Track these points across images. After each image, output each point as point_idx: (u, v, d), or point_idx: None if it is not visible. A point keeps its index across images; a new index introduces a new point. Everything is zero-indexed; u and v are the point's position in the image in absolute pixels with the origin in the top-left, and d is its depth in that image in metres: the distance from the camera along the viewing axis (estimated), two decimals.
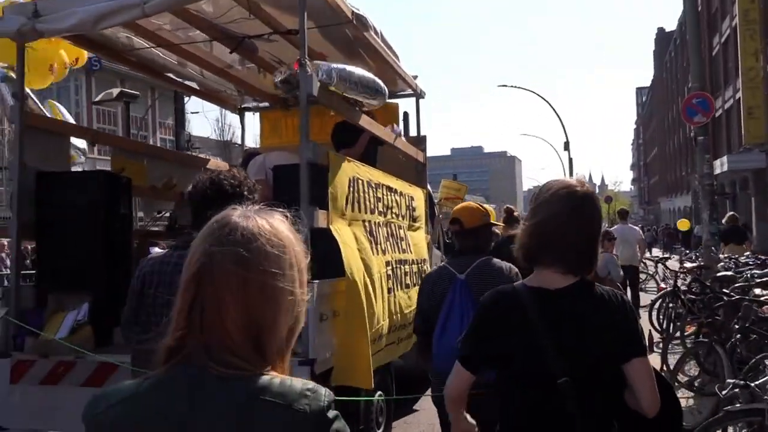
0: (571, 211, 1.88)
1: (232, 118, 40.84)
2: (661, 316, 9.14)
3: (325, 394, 1.08)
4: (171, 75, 5.71)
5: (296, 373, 3.51)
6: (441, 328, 3.14)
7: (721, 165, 30.56)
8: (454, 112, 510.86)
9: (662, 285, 11.83)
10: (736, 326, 5.60)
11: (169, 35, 4.88)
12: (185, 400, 1.06)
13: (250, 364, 1.07)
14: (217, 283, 1.07)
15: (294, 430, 1.04)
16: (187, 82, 5.97)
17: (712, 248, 9.66)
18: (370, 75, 4.55)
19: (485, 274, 3.17)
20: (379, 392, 4.72)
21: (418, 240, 5.66)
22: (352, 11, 4.36)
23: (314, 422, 1.04)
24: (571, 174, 33.76)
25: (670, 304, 8.55)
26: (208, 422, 1.04)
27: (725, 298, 6.34)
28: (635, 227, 12.36)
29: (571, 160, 33.97)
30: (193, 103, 31.05)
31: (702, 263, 9.86)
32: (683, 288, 8.71)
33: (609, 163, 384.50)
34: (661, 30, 69.58)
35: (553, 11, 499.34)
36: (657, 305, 9.30)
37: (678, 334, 7.25)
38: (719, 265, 9.43)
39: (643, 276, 14.27)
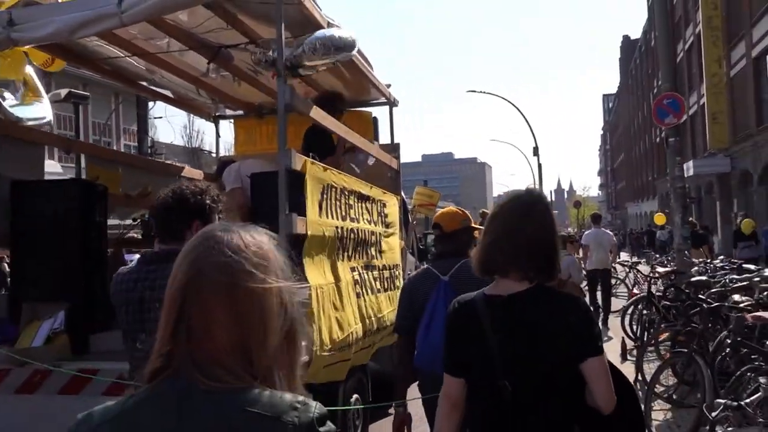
0: (519, 217, 1.99)
1: (200, 125, 40.40)
2: (633, 323, 8.93)
3: (315, 407, 1.08)
4: (145, 83, 5.75)
5: None
6: (425, 328, 3.23)
7: (686, 170, 32.20)
8: (424, 119, 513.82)
9: (634, 290, 11.74)
10: (721, 336, 5.34)
11: (143, 44, 4.92)
12: (174, 415, 1.04)
13: (239, 377, 1.06)
14: (205, 295, 1.08)
15: None
16: (161, 91, 6.00)
17: (685, 252, 9.55)
18: (331, 33, 4.41)
19: (467, 275, 3.25)
20: (356, 395, 4.81)
21: (392, 246, 5.78)
22: (328, 22, 4.47)
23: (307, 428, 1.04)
24: (540, 179, 34.27)
25: (644, 311, 8.29)
26: None
27: (704, 305, 5.97)
28: (608, 231, 12.46)
29: (540, 165, 34.45)
30: (156, 109, 30.61)
31: (675, 268, 9.69)
32: (657, 293, 8.46)
33: (577, 168, 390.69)
34: (626, 38, 70.72)
35: (519, 18, 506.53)
36: (629, 311, 9.13)
37: (653, 342, 7.04)
38: (693, 269, 9.34)
39: (613, 281, 14.15)
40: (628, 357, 7.73)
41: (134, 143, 33.46)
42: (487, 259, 2.01)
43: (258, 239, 1.14)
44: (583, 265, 11.14)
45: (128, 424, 1.06)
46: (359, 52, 5.25)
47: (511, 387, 1.88)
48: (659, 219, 28.03)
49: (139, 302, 2.51)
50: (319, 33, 4.27)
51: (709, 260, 11.80)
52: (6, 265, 8.06)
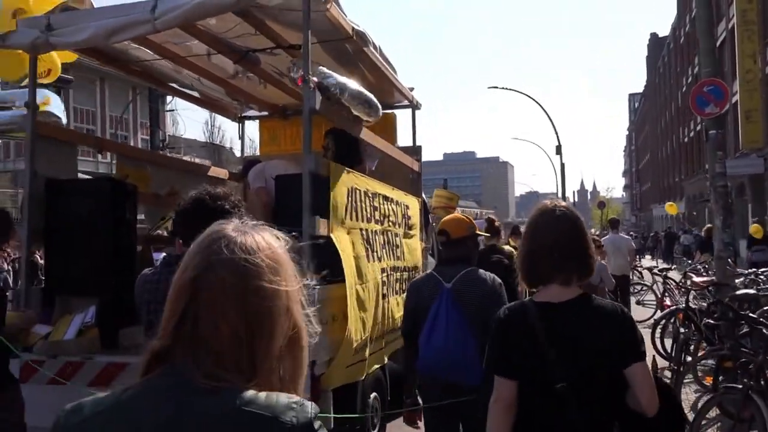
0: (558, 228, 2.13)
1: (222, 121, 40.77)
2: (665, 338, 8.05)
3: (311, 407, 1.08)
4: (175, 85, 5.94)
5: None
6: (428, 333, 3.36)
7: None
8: (446, 117, 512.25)
9: (666, 302, 10.73)
10: None
11: (173, 47, 5.10)
12: (170, 410, 1.04)
13: (237, 377, 1.06)
14: (215, 293, 1.07)
15: None
16: (188, 92, 6.19)
17: (729, 261, 8.38)
18: (365, 90, 4.78)
19: (470, 283, 3.39)
20: (374, 393, 4.95)
21: (413, 248, 5.91)
22: (353, 28, 4.60)
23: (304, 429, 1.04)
24: (563, 179, 34.06)
25: (681, 328, 7.02)
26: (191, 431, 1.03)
27: (762, 328, 5.16)
28: (626, 236, 12.48)
29: (563, 165, 34.17)
30: (172, 103, 30.97)
31: (713, 278, 8.59)
32: (695, 307, 7.38)
33: (601, 169, 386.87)
34: (654, 35, 69.95)
35: (545, 16, 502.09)
36: (661, 324, 8.22)
37: (693, 362, 6.24)
38: (737, 281, 8.33)
39: (638, 287, 13.68)
40: (660, 377, 7.16)
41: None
42: (533, 269, 2.16)
43: (270, 242, 1.15)
44: None
45: (122, 417, 1.05)
46: (382, 55, 5.39)
47: (565, 390, 2.00)
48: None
49: (162, 303, 2.67)
50: (353, 85, 4.53)
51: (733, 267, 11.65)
52: (38, 257, 8.32)
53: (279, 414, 1.03)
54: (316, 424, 1.07)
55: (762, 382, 4.68)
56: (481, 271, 3.53)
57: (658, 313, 10.75)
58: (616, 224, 12.18)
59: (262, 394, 1.05)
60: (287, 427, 1.03)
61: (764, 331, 5.11)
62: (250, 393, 1.05)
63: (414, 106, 6.69)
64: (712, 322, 6.12)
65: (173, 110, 32.19)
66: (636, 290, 13.26)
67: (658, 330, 8.18)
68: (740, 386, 4.57)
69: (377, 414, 4.97)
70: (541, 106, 32.40)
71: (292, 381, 1.14)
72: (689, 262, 19.02)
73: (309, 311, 1.19)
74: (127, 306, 4.69)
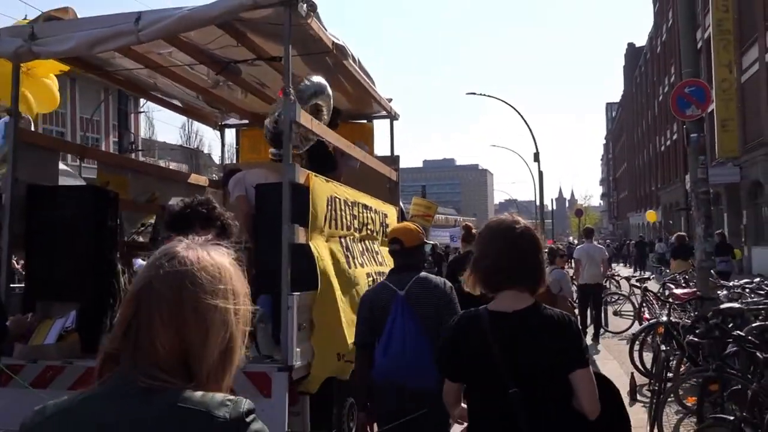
0: (513, 239, 2.27)
1: (199, 126, 40.58)
2: (644, 353, 7.75)
3: (245, 403, 1.15)
4: (156, 93, 6.05)
5: (275, 379, 3.88)
6: (385, 342, 3.44)
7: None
8: (426, 124, 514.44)
9: (645, 314, 10.37)
10: None
11: (156, 57, 5.21)
12: (112, 410, 1.12)
13: (175, 379, 1.14)
14: (152, 306, 1.15)
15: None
16: (170, 100, 6.30)
17: (711, 272, 7.88)
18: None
19: (423, 288, 3.51)
20: (351, 399, 5.07)
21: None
22: (333, 41, 4.76)
23: (234, 427, 1.11)
24: (541, 187, 34.50)
25: (662, 345, 6.43)
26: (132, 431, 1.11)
27: (759, 354, 4.84)
28: (599, 245, 12.40)
29: (541, 173, 34.55)
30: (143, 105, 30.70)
31: (696, 290, 8.10)
32: (676, 320, 6.93)
33: (579, 177, 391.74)
34: (631, 45, 70.78)
35: (524, 25, 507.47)
36: (640, 339, 7.82)
37: (676, 384, 5.80)
38: (721, 293, 7.87)
39: (615, 297, 13.51)
40: (639, 396, 6.83)
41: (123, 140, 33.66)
42: (489, 278, 2.28)
43: (216, 259, 1.21)
44: (574, 280, 11.23)
45: (73, 418, 1.15)
46: (361, 67, 5.55)
47: (519, 395, 2.12)
48: (650, 216, 27.25)
49: None
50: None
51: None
52: (14, 262, 8.31)
53: (212, 409, 1.11)
54: (249, 418, 1.14)
55: (755, 413, 4.25)
56: (432, 276, 3.66)
57: (636, 325, 10.75)
58: (591, 234, 12.24)
59: (198, 393, 1.14)
60: (220, 422, 1.10)
61: (758, 354, 4.78)
62: (186, 392, 1.13)
63: (392, 116, 6.87)
64: (695, 339, 5.62)
65: (143, 112, 31.82)
66: (613, 300, 13.10)
67: (637, 344, 7.84)
68: (731, 417, 4.17)
69: (353, 419, 5.08)
70: (519, 112, 32.83)
71: (225, 383, 1.22)
72: (667, 270, 18.88)
73: (248, 326, 1.25)
74: (108, 311, 4.80)
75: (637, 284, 11.70)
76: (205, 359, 1.17)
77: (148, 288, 1.17)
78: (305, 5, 4.20)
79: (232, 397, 1.16)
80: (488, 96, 34.99)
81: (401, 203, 7.22)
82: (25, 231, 4.62)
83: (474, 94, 35.46)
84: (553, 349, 2.17)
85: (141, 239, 6.18)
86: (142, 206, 5.90)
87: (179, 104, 6.49)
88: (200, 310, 1.16)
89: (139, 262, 5.88)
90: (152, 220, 6.13)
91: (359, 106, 6.56)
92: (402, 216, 7.09)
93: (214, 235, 2.64)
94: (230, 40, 4.67)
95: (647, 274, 23.10)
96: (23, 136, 4.70)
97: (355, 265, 4.82)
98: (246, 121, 7.09)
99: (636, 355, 7.74)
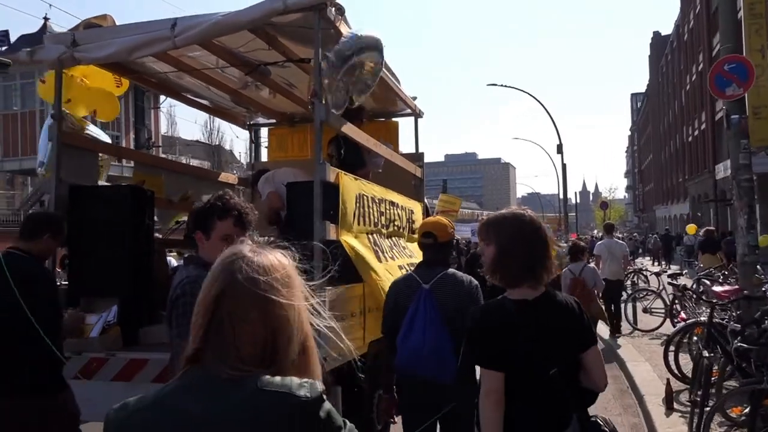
0: (527, 235, 2.43)
1: (221, 123, 41.02)
2: (680, 354, 7.23)
3: (319, 385, 1.29)
4: (186, 94, 6.29)
5: None
6: (406, 332, 3.55)
7: (724, 169, 29.54)
8: (448, 118, 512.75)
9: (681, 314, 9.40)
10: None
11: (188, 60, 5.43)
12: (200, 401, 1.23)
13: (258, 369, 1.27)
14: (239, 304, 1.28)
15: (296, 413, 1.23)
16: (200, 101, 6.53)
17: (758, 268, 7.21)
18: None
19: (448, 284, 3.61)
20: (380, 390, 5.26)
21: (417, 250, 6.23)
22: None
23: (312, 404, 1.25)
24: (564, 180, 34.23)
25: (704, 351, 5.70)
26: (222, 417, 1.22)
27: None
28: (620, 241, 12.24)
29: (564, 165, 34.22)
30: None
31: (743, 289, 7.11)
32: (722, 321, 6.07)
33: (603, 170, 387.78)
34: (656, 34, 69.29)
35: (547, 16, 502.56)
36: (675, 341, 7.29)
37: (722, 397, 5.17)
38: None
39: (643, 293, 12.75)
40: (675, 405, 6.21)
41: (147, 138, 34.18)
42: (506, 271, 2.43)
43: (283, 262, 1.36)
44: None
45: (163, 409, 1.25)
46: (387, 67, 5.71)
47: (556, 374, 2.28)
48: (691, 230, 27.39)
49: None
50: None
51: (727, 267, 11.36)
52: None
53: (294, 390, 1.25)
54: (324, 398, 1.28)
55: None
56: (458, 273, 3.76)
57: (667, 324, 10.45)
58: (611, 229, 12.11)
59: (278, 378, 1.27)
60: (302, 401, 1.24)
61: None
62: (268, 377, 1.26)
63: (416, 114, 7.04)
64: (744, 345, 4.98)
65: (157, 107, 32.15)
66: (641, 296, 12.47)
67: (672, 347, 7.26)
68: None
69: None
70: (541, 103, 32.53)
71: (309, 374, 1.35)
72: (695, 262, 18.52)
73: (319, 318, 1.39)
74: (146, 306, 5.04)
75: (673, 281, 10.60)
76: (287, 350, 1.31)
77: (233, 289, 1.30)
78: (334, 9, 4.37)
79: (306, 380, 1.29)
80: (510, 87, 34.75)
81: (426, 199, 7.38)
82: (68, 230, 4.86)
83: (495, 85, 35.04)
84: (573, 330, 2.37)
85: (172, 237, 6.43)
86: (176, 205, 6.13)
87: (208, 104, 6.71)
88: (275, 309, 1.30)
89: (173, 262, 6.13)
90: (185, 218, 6.36)
91: (385, 104, 6.74)
92: (427, 212, 7.25)
93: (233, 223, 2.78)
94: (261, 44, 4.86)
95: (674, 267, 22.68)
96: (65, 139, 4.95)
97: (386, 258, 4.99)
98: (274, 121, 7.31)
99: (672, 357, 7.20)
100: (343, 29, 4.58)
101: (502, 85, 35.33)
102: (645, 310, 11.60)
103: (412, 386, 3.62)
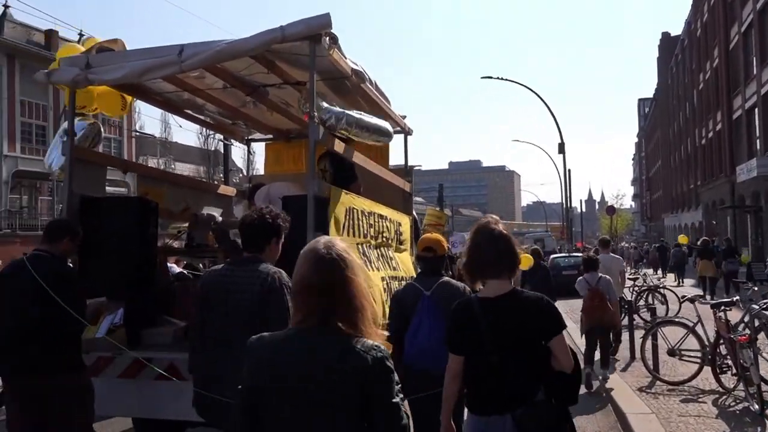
0: (494, 239, 3.05)
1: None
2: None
3: (383, 347, 2.02)
4: (189, 111, 6.91)
5: None
6: (414, 332, 4.34)
7: (748, 171, 28.74)
8: (452, 126, 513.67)
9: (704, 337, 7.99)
10: None
11: (191, 80, 6.03)
12: (317, 340, 1.97)
13: (351, 329, 2.01)
14: (336, 282, 1.99)
15: (368, 365, 1.94)
16: (202, 117, 7.15)
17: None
18: (375, 120, 5.75)
19: (446, 290, 4.40)
20: None
21: (405, 261, 6.84)
22: (352, 68, 5.53)
23: (381, 360, 1.97)
24: (569, 185, 34.54)
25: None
26: (324, 361, 1.94)
27: None
28: (617, 256, 11.92)
29: (568, 171, 34.15)
30: (144, 107, 31.82)
31: None
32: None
33: (609, 179, 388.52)
34: (665, 35, 68.87)
35: (549, 21, 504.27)
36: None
37: None
38: None
39: (667, 323, 9.16)
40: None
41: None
42: (477, 270, 3.09)
43: (347, 249, 2.10)
44: None
45: (291, 340, 2.02)
46: (377, 88, 6.33)
47: (499, 360, 2.86)
48: (683, 239, 27.83)
49: (226, 293, 3.49)
50: (356, 114, 5.46)
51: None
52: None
53: (370, 350, 1.99)
54: (388, 357, 2.01)
55: None
56: (453, 280, 4.57)
57: (708, 374, 7.65)
58: (607, 244, 11.87)
59: (363, 339, 2.00)
60: (378, 358, 1.98)
61: None
62: (356, 338, 1.99)
63: (406, 132, 7.66)
64: None
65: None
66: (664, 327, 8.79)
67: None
68: None
69: None
70: (542, 99, 31.96)
71: (376, 334, 2.09)
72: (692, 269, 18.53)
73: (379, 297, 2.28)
74: (149, 309, 5.59)
75: (714, 305, 7.67)
76: (366, 315, 2.03)
77: (333, 271, 2.02)
78: (328, 39, 4.95)
79: (378, 344, 2.03)
80: (506, 80, 33.42)
81: (416, 216, 7.97)
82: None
83: (490, 77, 33.52)
84: (531, 323, 2.92)
85: (175, 245, 7.02)
86: (176, 215, 6.71)
87: (210, 121, 7.31)
88: (361, 282, 2.05)
89: (175, 268, 6.69)
90: (185, 227, 6.95)
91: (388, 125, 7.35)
92: (416, 224, 7.84)
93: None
94: (260, 68, 5.45)
95: (670, 276, 22.47)
96: (77, 153, 5.53)
97: (371, 269, 5.59)
98: (270, 136, 7.92)
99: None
100: (336, 56, 5.17)
101: (498, 78, 33.88)
102: (672, 353, 8.28)
103: (420, 379, 4.22)
